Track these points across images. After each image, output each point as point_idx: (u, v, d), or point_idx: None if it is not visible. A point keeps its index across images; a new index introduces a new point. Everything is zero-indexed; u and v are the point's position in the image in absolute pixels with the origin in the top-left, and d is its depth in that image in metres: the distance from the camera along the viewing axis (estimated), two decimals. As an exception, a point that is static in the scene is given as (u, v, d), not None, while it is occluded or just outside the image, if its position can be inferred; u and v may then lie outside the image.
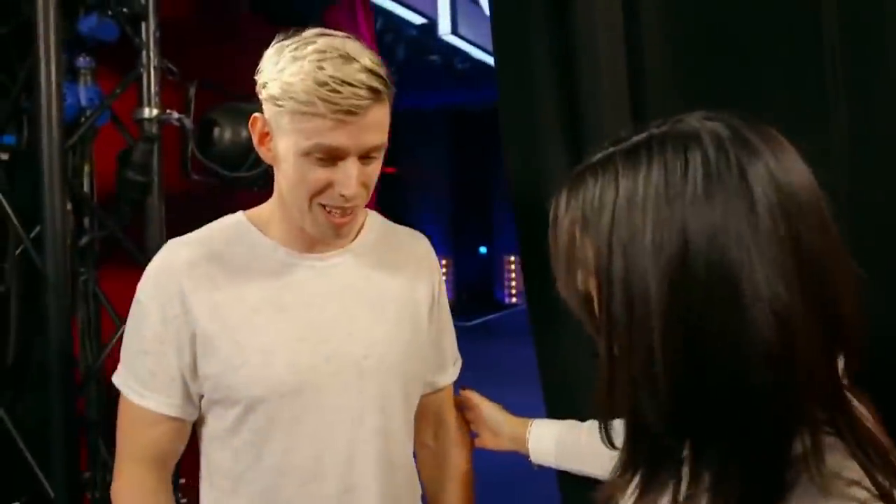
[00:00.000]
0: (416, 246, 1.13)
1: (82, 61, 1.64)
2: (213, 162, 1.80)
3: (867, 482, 0.53)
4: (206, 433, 1.02)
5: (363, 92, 0.85)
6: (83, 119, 1.64)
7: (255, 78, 0.94)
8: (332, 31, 0.93)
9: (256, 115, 0.94)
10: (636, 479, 0.63)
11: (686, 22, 1.34)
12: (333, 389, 0.98)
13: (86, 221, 1.75)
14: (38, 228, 1.59)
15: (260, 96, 0.93)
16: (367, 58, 0.88)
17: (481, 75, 10.76)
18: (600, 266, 0.59)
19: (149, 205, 1.67)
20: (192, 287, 0.96)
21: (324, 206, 0.93)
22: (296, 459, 0.98)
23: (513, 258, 15.60)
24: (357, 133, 0.87)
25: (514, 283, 15.76)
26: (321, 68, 0.84)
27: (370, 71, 0.87)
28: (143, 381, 0.97)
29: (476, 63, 9.95)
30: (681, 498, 0.58)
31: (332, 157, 0.88)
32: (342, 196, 0.91)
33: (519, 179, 1.52)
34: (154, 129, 1.65)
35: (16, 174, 1.68)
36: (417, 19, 7.48)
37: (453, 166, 13.75)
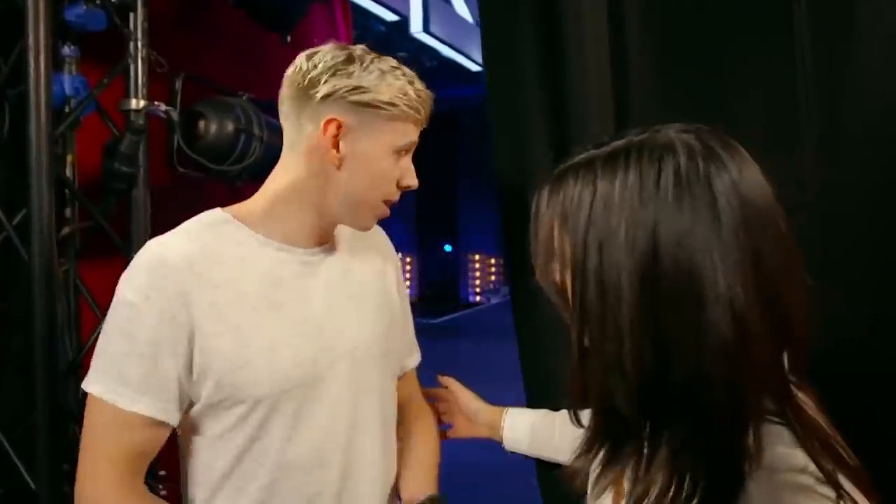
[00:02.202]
0: (377, 237, 1.19)
1: (67, 50, 1.62)
2: (197, 155, 1.79)
3: (812, 467, 0.58)
4: (202, 439, 0.99)
5: (431, 103, 1.03)
6: (67, 108, 1.62)
7: (313, 81, 0.96)
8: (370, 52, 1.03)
9: (333, 116, 0.96)
10: (599, 456, 0.69)
11: (667, 27, 1.40)
12: (331, 380, 1.01)
13: (66, 212, 1.72)
14: (19, 217, 1.57)
15: (336, 98, 0.95)
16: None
17: (449, 74, 10.80)
18: (576, 259, 0.64)
19: (134, 196, 1.66)
20: (192, 285, 0.93)
21: (384, 201, 1.03)
22: (299, 450, 0.99)
23: (477, 256, 15.69)
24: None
25: (478, 282, 15.85)
26: (414, 83, 1.00)
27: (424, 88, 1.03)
28: (135, 386, 0.92)
29: (445, 61, 9.98)
30: (641, 472, 0.63)
31: (407, 152, 1.03)
32: (407, 187, 1.04)
33: (506, 177, 1.55)
34: (141, 121, 1.64)
35: (-5, 163, 1.65)
36: (390, 16, 7.48)
37: (419, 164, 13.73)
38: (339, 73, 0.95)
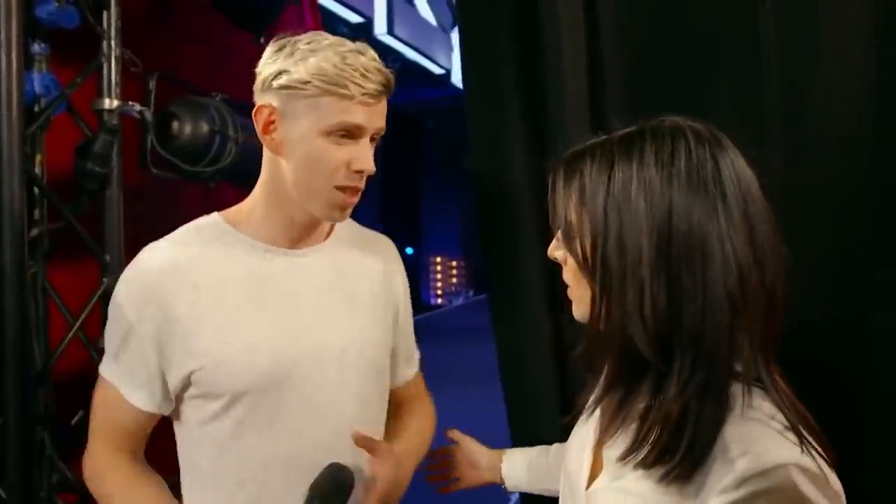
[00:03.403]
0: (383, 247, 1.19)
1: (37, 48, 1.58)
2: (171, 155, 1.77)
3: (780, 416, 0.69)
4: (186, 428, 1.03)
5: (382, 79, 0.97)
6: (37, 107, 1.59)
7: (258, 72, 1.00)
8: (324, 34, 1.01)
9: (262, 104, 0.98)
10: (611, 397, 0.78)
11: (641, 34, 1.44)
12: (315, 381, 1.01)
13: (35, 213, 1.68)
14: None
15: (266, 88, 0.98)
16: (373, 53, 0.99)
17: (413, 76, 10.81)
18: (596, 226, 0.73)
19: (107, 197, 1.63)
20: (174, 287, 0.98)
21: (335, 187, 0.99)
22: (279, 450, 1.00)
23: (439, 259, 15.71)
24: (372, 115, 0.98)
25: (439, 284, 15.87)
26: (346, 57, 0.95)
27: (380, 64, 0.98)
28: (125, 376, 1.01)
29: (408, 64, 10.00)
30: (653, 410, 0.72)
31: (351, 135, 0.97)
32: (358, 173, 0.99)
33: (483, 179, 1.57)
34: (115, 121, 1.61)
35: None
36: (354, 17, 7.46)
37: (381, 166, 13.68)
38: (268, 61, 0.98)
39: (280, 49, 0.98)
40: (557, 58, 1.42)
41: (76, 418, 1.71)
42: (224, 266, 1.00)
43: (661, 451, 0.69)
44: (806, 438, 0.67)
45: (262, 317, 1.00)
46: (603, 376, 0.80)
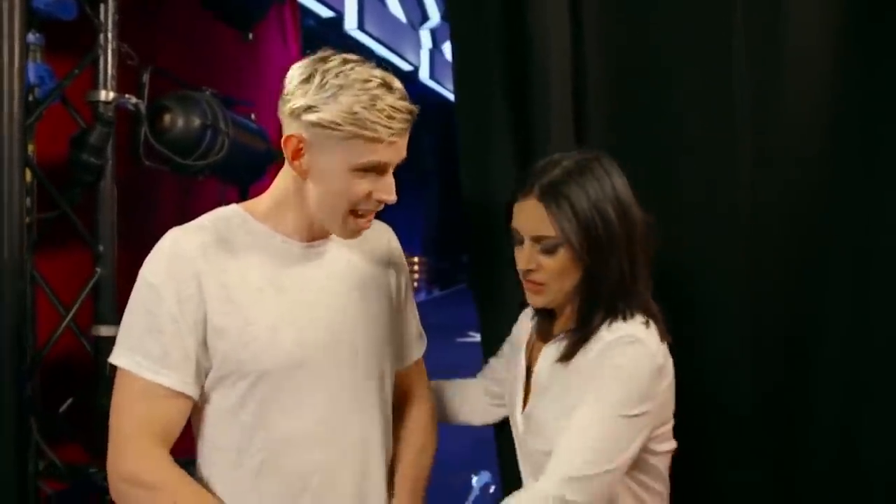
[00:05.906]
0: (384, 236, 1.25)
1: (32, 38, 1.58)
2: (163, 148, 1.79)
3: (640, 316, 1.11)
4: (210, 412, 1.07)
5: (407, 116, 1.01)
6: (31, 97, 1.59)
7: (287, 97, 1.01)
8: (351, 56, 1.03)
9: (292, 133, 1.01)
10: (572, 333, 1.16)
11: (622, 52, 1.53)
12: (332, 363, 1.09)
13: (27, 202, 1.68)
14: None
15: (295, 117, 1.00)
16: (398, 83, 1.02)
17: (381, 72, 10.77)
18: (589, 226, 1.09)
19: (102, 188, 1.65)
20: (205, 269, 1.03)
21: (356, 213, 1.06)
22: (298, 426, 1.06)
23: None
24: (398, 150, 1.03)
25: (403, 281, 15.81)
26: (377, 97, 0.97)
27: (405, 98, 1.01)
28: (157, 360, 1.01)
29: (377, 60, 9.94)
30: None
31: (378, 170, 1.03)
32: (379, 202, 1.06)
33: (472, 190, 1.64)
34: (111, 113, 1.63)
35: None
36: (325, 12, 7.43)
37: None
38: (298, 90, 0.99)
39: (309, 79, 0.99)
40: (544, 78, 1.49)
41: (64, 406, 1.73)
42: (247, 252, 1.06)
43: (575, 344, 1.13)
44: (650, 324, 1.10)
45: (281, 300, 1.06)
46: (571, 321, 1.16)
